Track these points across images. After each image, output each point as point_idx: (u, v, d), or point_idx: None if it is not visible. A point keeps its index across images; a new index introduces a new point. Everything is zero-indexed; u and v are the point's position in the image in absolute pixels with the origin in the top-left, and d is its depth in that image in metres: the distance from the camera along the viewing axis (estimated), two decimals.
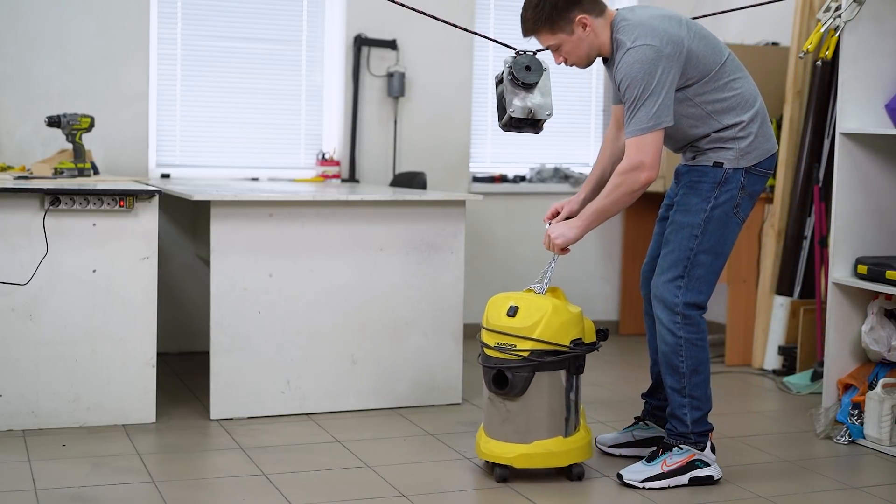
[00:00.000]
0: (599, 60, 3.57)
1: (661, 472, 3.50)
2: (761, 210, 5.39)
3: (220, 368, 4.16)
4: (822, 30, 4.18)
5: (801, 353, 5.06)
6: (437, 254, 4.44)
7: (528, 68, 3.63)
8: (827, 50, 4.26)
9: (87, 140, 4.91)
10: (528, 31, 3.49)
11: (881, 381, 3.99)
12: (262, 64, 5.68)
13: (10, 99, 5.16)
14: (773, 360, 5.29)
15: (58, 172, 4.59)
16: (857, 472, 3.82)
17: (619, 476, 3.53)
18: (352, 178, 5.74)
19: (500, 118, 3.71)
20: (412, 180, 5.36)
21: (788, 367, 5.18)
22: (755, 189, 3.54)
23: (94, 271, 4.01)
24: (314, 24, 5.78)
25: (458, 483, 3.58)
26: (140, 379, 4.08)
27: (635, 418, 3.94)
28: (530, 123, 3.70)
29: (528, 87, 3.66)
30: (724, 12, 5.00)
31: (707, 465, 3.54)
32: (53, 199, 3.93)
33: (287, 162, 5.79)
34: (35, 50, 5.17)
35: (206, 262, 4.39)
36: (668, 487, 3.50)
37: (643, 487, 3.49)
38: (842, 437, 4.07)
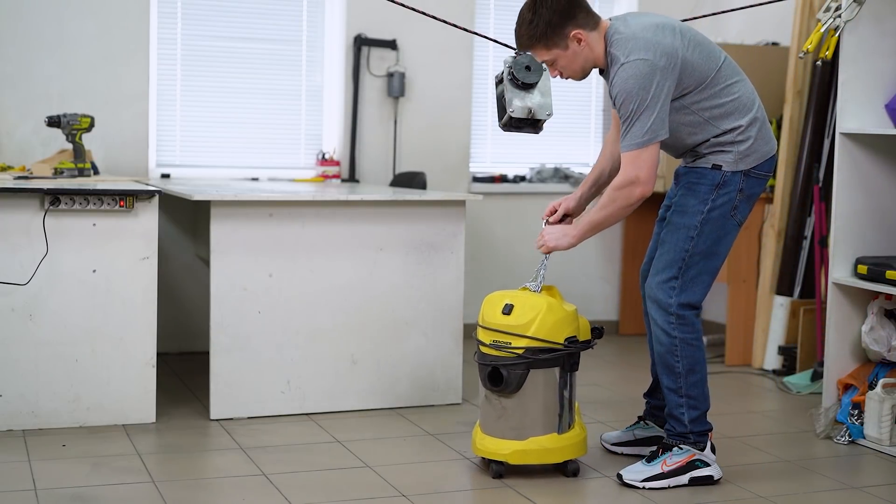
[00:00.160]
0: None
1: (661, 472, 3.50)
2: (761, 210, 5.39)
3: (220, 368, 4.16)
4: (822, 30, 4.18)
5: (801, 353, 5.06)
6: (437, 254, 4.44)
7: (528, 68, 3.63)
8: (827, 50, 4.26)
9: (87, 140, 4.91)
10: (522, 46, 3.49)
11: (881, 381, 3.99)
12: (262, 64, 5.68)
13: (10, 99, 5.16)
14: (773, 360, 5.29)
15: (58, 172, 4.59)
16: (857, 472, 3.82)
17: (619, 476, 3.54)
18: (352, 178, 5.74)
19: (500, 118, 3.71)
20: (412, 180, 5.36)
21: (788, 367, 5.18)
22: (754, 192, 3.54)
23: (94, 271, 4.01)
24: (314, 24, 5.78)
25: (458, 483, 3.58)
26: (140, 379, 4.08)
27: (638, 417, 3.94)
28: (530, 123, 3.70)
29: (528, 87, 3.66)
30: (724, 12, 5.00)
31: (707, 465, 3.54)
32: (53, 199, 3.93)
33: (287, 162, 5.79)
34: (35, 50, 5.17)
35: (206, 262, 4.39)
36: (668, 487, 3.50)
37: (643, 487, 3.49)
38: (842, 437, 4.07)
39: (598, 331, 3.64)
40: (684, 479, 3.51)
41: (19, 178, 4.42)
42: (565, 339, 3.50)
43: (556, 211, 3.73)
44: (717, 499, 3.44)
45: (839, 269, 4.16)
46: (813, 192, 5.12)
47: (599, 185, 3.78)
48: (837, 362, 4.20)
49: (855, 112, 4.15)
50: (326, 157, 5.71)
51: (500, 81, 3.69)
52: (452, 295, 4.48)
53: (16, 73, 5.15)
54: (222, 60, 5.61)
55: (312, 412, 4.29)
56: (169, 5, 5.49)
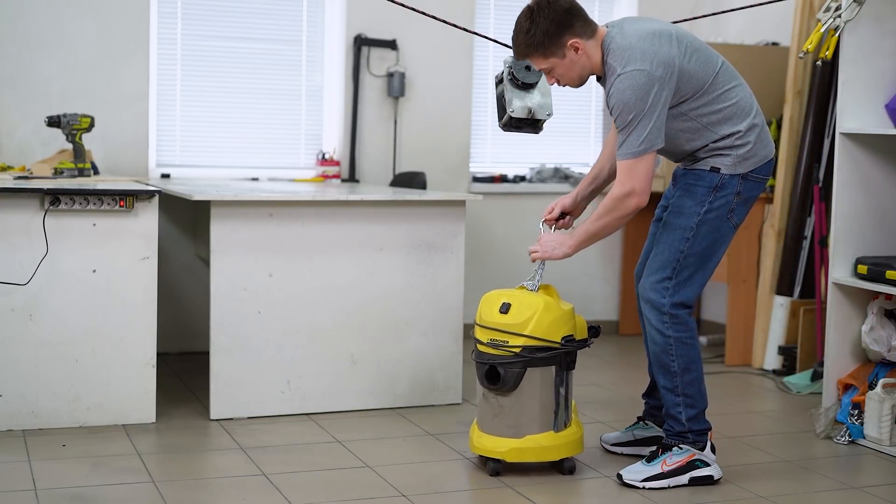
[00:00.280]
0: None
1: (661, 471, 3.50)
2: (761, 210, 5.39)
3: (220, 368, 4.16)
4: (822, 30, 4.18)
5: (801, 353, 5.06)
6: (437, 254, 4.44)
7: (528, 68, 3.63)
8: (827, 50, 4.26)
9: (87, 140, 4.91)
10: (520, 55, 3.47)
11: (881, 381, 3.99)
12: (262, 64, 5.68)
13: (10, 99, 5.16)
14: (773, 360, 5.29)
15: (58, 172, 4.59)
16: (857, 472, 3.82)
17: (619, 476, 3.54)
18: (352, 178, 5.74)
19: (500, 118, 3.71)
20: (412, 180, 5.36)
21: (788, 367, 5.18)
22: (751, 195, 3.54)
23: (94, 271, 4.01)
24: (314, 24, 5.78)
25: (458, 483, 3.58)
26: (140, 379, 4.08)
27: (637, 417, 3.95)
28: (530, 123, 3.71)
29: (528, 87, 3.67)
30: (724, 12, 5.00)
31: (707, 464, 3.54)
32: (53, 199, 3.93)
33: (287, 162, 5.79)
34: (35, 50, 5.17)
35: (206, 262, 4.39)
36: (668, 487, 3.50)
37: (643, 487, 3.49)
38: (842, 437, 4.07)
39: (594, 329, 3.66)
40: (684, 478, 3.51)
41: (19, 178, 4.42)
42: (562, 338, 3.52)
43: (553, 210, 3.75)
44: (717, 499, 3.44)
45: (839, 269, 4.16)
46: (813, 192, 5.12)
47: (597, 183, 3.79)
48: (837, 362, 4.20)
49: (855, 112, 4.15)
50: (326, 157, 5.71)
51: (500, 81, 3.69)
52: (452, 295, 4.48)
53: (16, 73, 5.16)
54: (222, 60, 5.62)
55: (312, 412, 4.29)
56: (169, 5, 5.49)
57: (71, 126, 4.67)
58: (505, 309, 3.52)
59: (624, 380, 5.13)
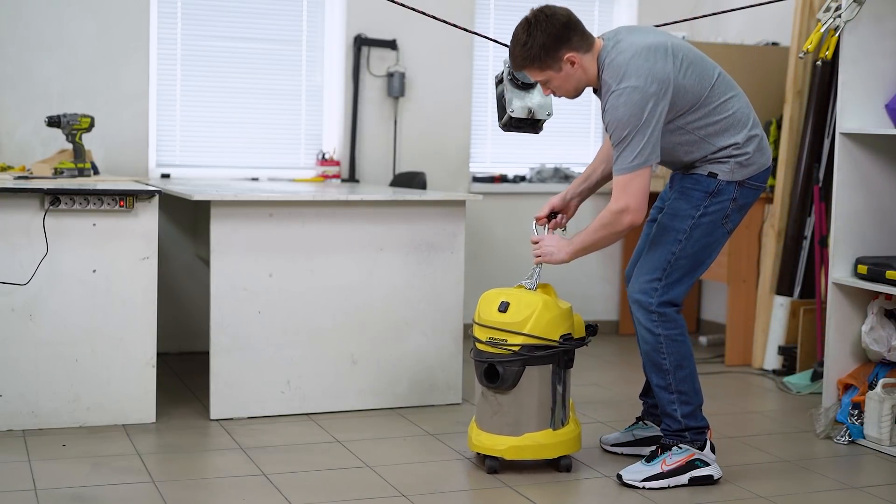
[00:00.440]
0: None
1: (661, 471, 3.50)
2: (761, 210, 5.39)
3: (220, 368, 4.16)
4: (822, 30, 4.17)
5: (801, 353, 5.06)
6: (437, 254, 4.44)
7: None
8: (827, 50, 4.26)
9: (87, 140, 4.91)
10: (516, 66, 3.47)
11: (881, 381, 3.99)
12: (262, 64, 5.68)
13: (10, 99, 5.16)
14: (773, 360, 5.29)
15: (58, 172, 4.59)
16: (857, 472, 3.82)
17: (619, 476, 3.54)
18: (352, 178, 5.74)
19: (500, 118, 3.71)
20: (412, 180, 5.37)
21: (788, 367, 5.18)
22: (747, 201, 3.55)
23: (94, 271, 4.01)
24: (314, 24, 5.78)
25: (458, 483, 3.58)
26: (140, 379, 4.08)
27: (636, 418, 3.95)
28: (530, 123, 3.71)
29: (528, 87, 3.66)
30: (724, 12, 5.00)
31: (707, 464, 3.54)
32: (53, 199, 3.93)
33: (287, 162, 5.79)
34: (35, 50, 5.17)
35: (206, 262, 4.39)
36: (668, 487, 3.50)
37: (643, 487, 3.49)
38: (842, 437, 4.07)
39: (592, 328, 3.68)
40: (684, 478, 3.51)
41: (19, 178, 4.42)
42: (560, 337, 3.54)
43: (552, 210, 3.77)
44: (717, 499, 3.44)
45: (839, 269, 4.16)
46: (813, 192, 5.12)
47: (589, 183, 3.80)
48: (837, 362, 4.20)
49: (855, 112, 4.15)
50: (326, 157, 5.71)
51: (500, 81, 3.69)
52: (452, 295, 4.48)
53: (16, 73, 5.16)
54: (222, 60, 5.62)
55: (312, 412, 4.29)
56: (169, 5, 5.49)
57: (71, 126, 4.67)
58: (504, 307, 3.53)
59: (623, 380, 5.13)
